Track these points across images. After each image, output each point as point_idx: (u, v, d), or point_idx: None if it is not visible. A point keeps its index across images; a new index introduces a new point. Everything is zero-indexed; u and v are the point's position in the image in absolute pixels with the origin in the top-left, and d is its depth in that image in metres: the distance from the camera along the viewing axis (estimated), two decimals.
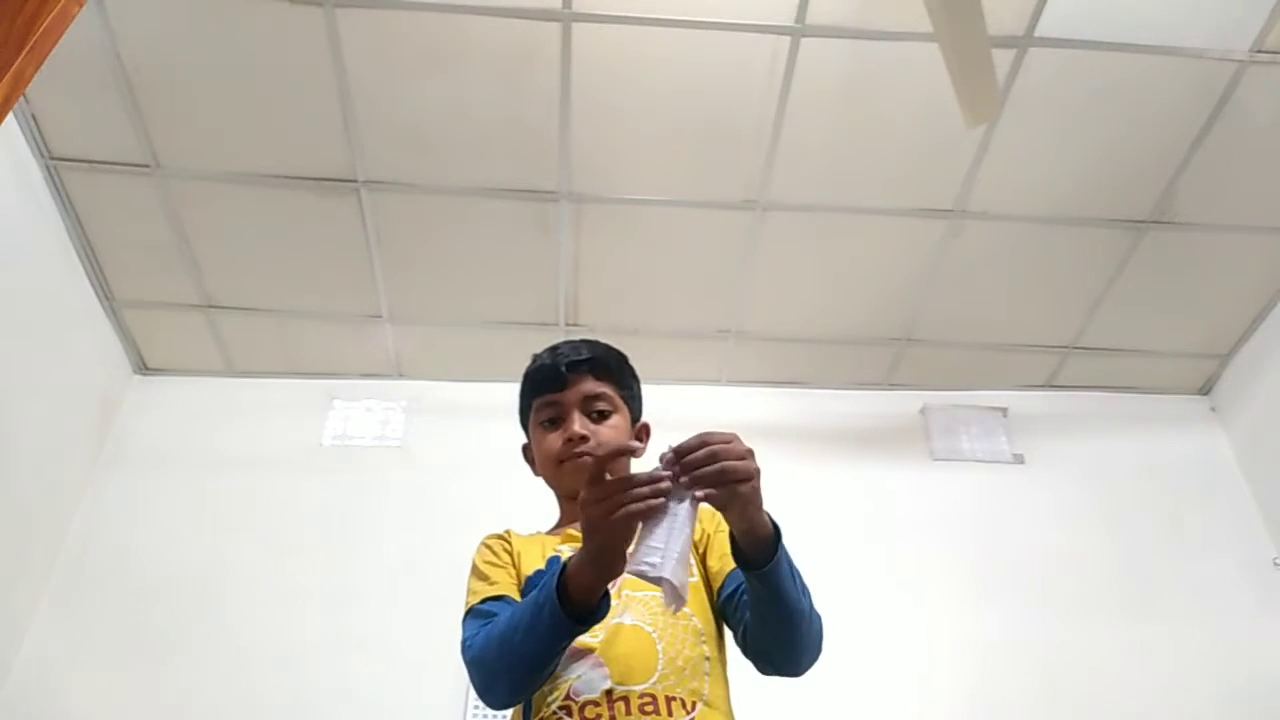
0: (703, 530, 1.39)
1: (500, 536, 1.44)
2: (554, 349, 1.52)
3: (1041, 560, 2.75)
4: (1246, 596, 2.71)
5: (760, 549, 1.14)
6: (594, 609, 1.14)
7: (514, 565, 1.37)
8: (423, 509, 2.74)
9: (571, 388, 1.46)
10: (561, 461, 1.42)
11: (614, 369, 1.52)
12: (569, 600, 1.12)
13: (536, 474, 1.52)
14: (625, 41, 2.28)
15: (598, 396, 1.47)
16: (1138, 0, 2.24)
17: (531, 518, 1.51)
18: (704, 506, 1.32)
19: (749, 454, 1.12)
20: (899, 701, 2.50)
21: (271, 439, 2.89)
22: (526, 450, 1.56)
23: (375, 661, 2.47)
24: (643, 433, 1.54)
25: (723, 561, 1.33)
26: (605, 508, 1.07)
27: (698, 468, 1.09)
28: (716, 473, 1.08)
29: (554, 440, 1.44)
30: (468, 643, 1.25)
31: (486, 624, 1.24)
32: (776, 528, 1.16)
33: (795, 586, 1.18)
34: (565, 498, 1.47)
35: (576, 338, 1.58)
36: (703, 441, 1.11)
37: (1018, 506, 2.87)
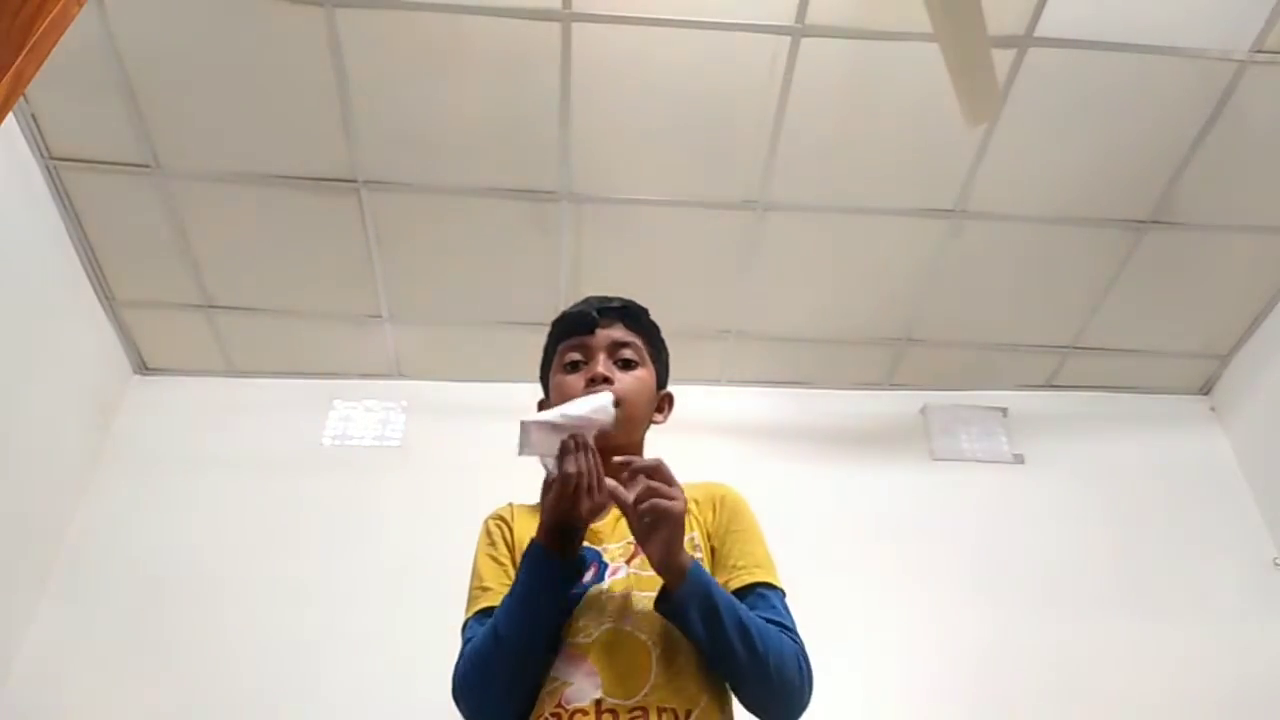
0: (706, 530, 1.36)
1: (501, 519, 1.42)
2: (584, 300, 1.51)
3: (1041, 560, 2.74)
4: (1246, 596, 2.71)
5: (673, 583, 1.19)
6: (577, 559, 1.22)
7: (512, 560, 1.36)
8: (423, 509, 2.73)
9: (601, 330, 1.44)
10: None
11: (645, 324, 1.50)
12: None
13: None
14: (625, 41, 2.28)
15: (626, 344, 1.45)
16: (1138, 0, 2.24)
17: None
18: (707, 495, 1.39)
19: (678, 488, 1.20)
20: (899, 701, 2.50)
21: (271, 439, 2.89)
22: (541, 406, 1.50)
23: (375, 661, 2.47)
24: (665, 403, 1.51)
25: (729, 576, 1.31)
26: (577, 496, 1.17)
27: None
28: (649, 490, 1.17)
29: (575, 381, 1.40)
30: (458, 664, 1.28)
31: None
32: (691, 576, 1.19)
33: (715, 633, 1.18)
34: None
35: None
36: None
37: (1018, 506, 2.87)
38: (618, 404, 1.27)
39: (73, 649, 2.48)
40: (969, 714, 2.49)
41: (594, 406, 1.26)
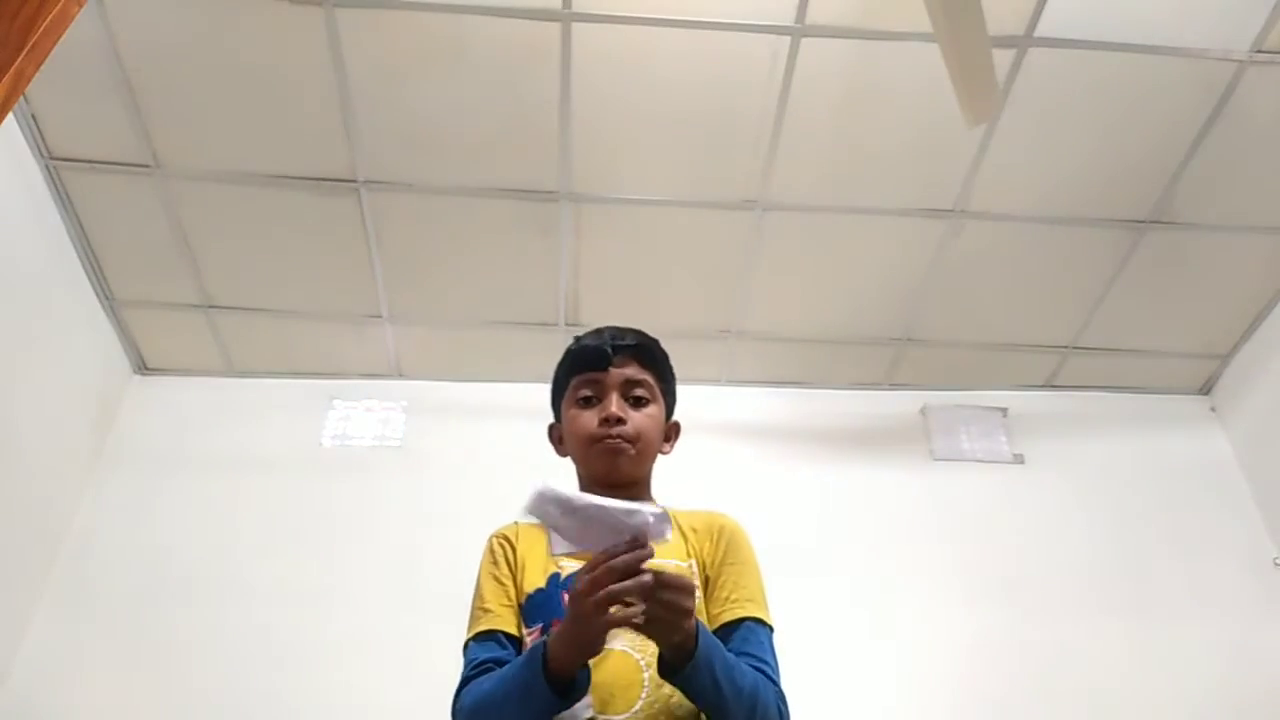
0: (702, 561, 1.37)
1: (505, 539, 1.43)
2: (599, 331, 1.52)
3: (1041, 560, 2.75)
4: (1246, 596, 2.71)
5: (679, 659, 1.15)
6: (574, 680, 1.16)
7: (514, 581, 1.37)
8: (422, 509, 2.74)
9: (614, 369, 1.47)
10: (595, 441, 1.42)
11: (658, 359, 1.53)
12: (550, 674, 1.14)
13: (562, 455, 1.51)
14: (625, 42, 2.28)
15: (639, 383, 1.48)
16: (1138, 0, 2.24)
17: None
18: (706, 525, 1.38)
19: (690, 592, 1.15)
20: (898, 701, 2.50)
21: (271, 439, 2.89)
22: (552, 430, 1.55)
23: (374, 661, 2.47)
24: (673, 431, 1.55)
25: (721, 608, 1.32)
26: (596, 603, 1.09)
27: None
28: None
29: (589, 419, 1.44)
30: (459, 697, 1.26)
31: (477, 679, 1.25)
32: (699, 655, 1.14)
33: (716, 700, 1.15)
34: (590, 480, 1.46)
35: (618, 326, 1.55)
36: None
37: (1018, 506, 2.87)
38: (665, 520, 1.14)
39: (73, 649, 2.48)
40: (968, 712, 2.49)
41: (637, 520, 1.11)
